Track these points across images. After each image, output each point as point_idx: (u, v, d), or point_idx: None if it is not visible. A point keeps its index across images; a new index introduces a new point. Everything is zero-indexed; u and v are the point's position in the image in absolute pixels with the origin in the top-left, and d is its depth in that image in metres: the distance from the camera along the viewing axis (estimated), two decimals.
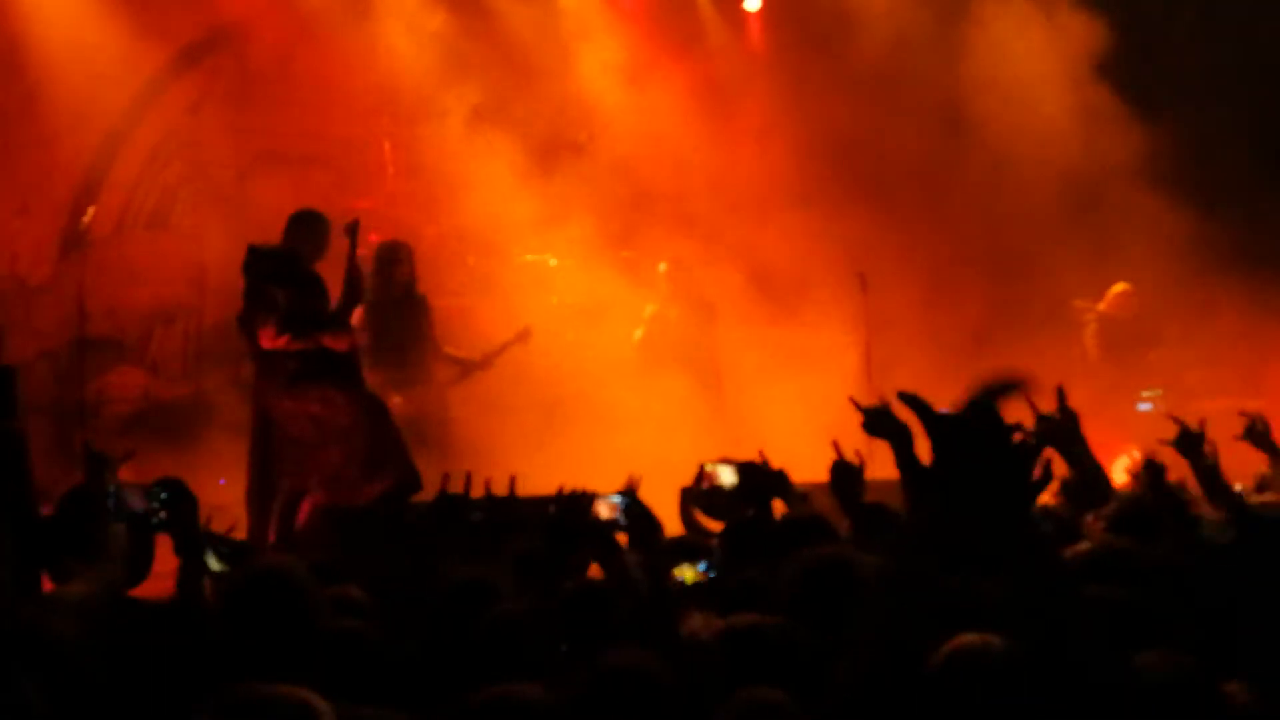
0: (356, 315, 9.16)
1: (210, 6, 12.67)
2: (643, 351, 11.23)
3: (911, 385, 2.94)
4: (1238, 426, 6.05)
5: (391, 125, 12.64)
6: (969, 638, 3.00)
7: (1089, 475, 5.23)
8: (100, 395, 12.16)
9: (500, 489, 5.31)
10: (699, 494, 5.83)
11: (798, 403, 10.38)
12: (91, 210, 11.66)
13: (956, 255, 12.80)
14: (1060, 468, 5.20)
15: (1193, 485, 5.44)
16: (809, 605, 3.59)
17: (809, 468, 5.87)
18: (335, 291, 8.70)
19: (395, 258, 10.00)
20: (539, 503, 5.14)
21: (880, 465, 4.58)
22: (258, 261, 8.50)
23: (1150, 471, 5.08)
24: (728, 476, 5.45)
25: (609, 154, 12.36)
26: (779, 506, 5.44)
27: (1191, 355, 11.84)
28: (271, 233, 8.73)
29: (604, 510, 4.67)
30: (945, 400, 2.70)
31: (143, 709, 3.48)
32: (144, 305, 12.64)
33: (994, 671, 2.86)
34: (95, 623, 3.76)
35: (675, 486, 6.22)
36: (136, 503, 4.58)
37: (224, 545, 4.95)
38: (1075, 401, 5.38)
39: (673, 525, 5.60)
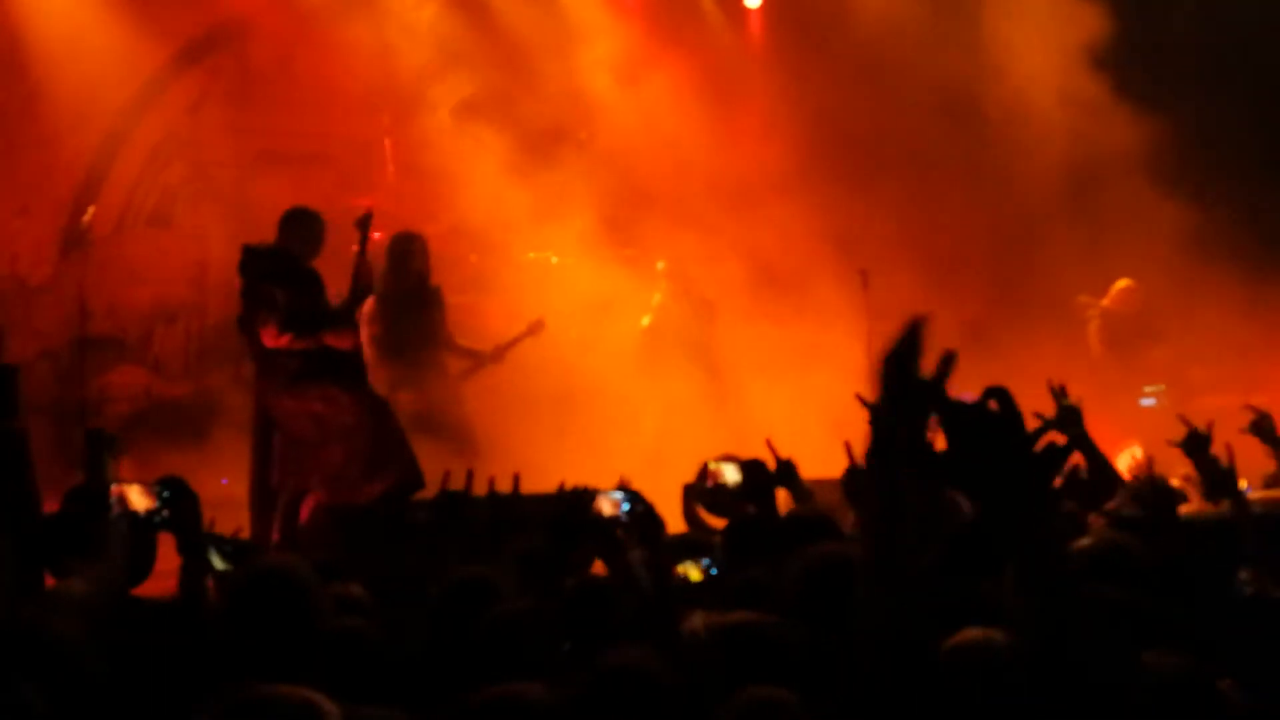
0: (368, 307, 9.13)
1: (210, 5, 12.67)
2: (649, 339, 11.25)
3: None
4: (1241, 423, 6.04)
5: (392, 123, 12.63)
6: (972, 632, 2.99)
7: (1099, 471, 5.22)
8: (102, 394, 12.16)
9: (504, 485, 5.30)
10: (702, 491, 5.82)
11: (800, 398, 10.38)
12: (92, 209, 11.65)
13: (958, 249, 12.78)
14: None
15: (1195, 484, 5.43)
16: (812, 603, 3.58)
17: (812, 464, 5.87)
18: (335, 287, 8.67)
19: (409, 250, 9.96)
20: (542, 500, 5.13)
21: None
22: (253, 261, 8.48)
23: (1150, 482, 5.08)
24: (732, 474, 5.44)
25: (609, 150, 12.34)
26: (784, 500, 5.42)
27: (1194, 351, 11.83)
28: (273, 231, 8.72)
29: (606, 507, 4.65)
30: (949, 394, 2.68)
31: (145, 708, 3.47)
32: (145, 304, 12.65)
33: (997, 666, 2.86)
34: (97, 622, 3.76)
35: (678, 483, 6.23)
36: (138, 501, 4.57)
37: (227, 544, 4.94)
38: (1077, 397, 5.38)
39: (675, 522, 5.60)
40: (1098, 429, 5.54)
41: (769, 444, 5.61)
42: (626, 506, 4.62)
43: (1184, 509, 4.98)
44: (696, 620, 3.50)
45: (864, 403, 4.28)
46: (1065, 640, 2.37)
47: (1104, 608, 3.15)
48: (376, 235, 9.04)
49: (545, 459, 7.53)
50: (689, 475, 5.96)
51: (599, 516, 4.63)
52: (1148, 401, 11.50)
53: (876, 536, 2.60)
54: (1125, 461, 6.58)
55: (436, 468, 8.32)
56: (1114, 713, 2.39)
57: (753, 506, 5.28)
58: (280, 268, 8.41)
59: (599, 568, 4.71)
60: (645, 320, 11.37)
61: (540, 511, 4.90)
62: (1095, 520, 4.84)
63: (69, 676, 3.30)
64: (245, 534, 7.42)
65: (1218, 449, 5.27)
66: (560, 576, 4.44)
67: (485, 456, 8.27)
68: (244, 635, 3.77)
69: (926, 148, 12.66)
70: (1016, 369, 8.67)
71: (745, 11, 13.79)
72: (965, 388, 2.65)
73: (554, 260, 12.10)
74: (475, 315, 11.47)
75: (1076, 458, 5.34)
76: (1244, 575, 4.17)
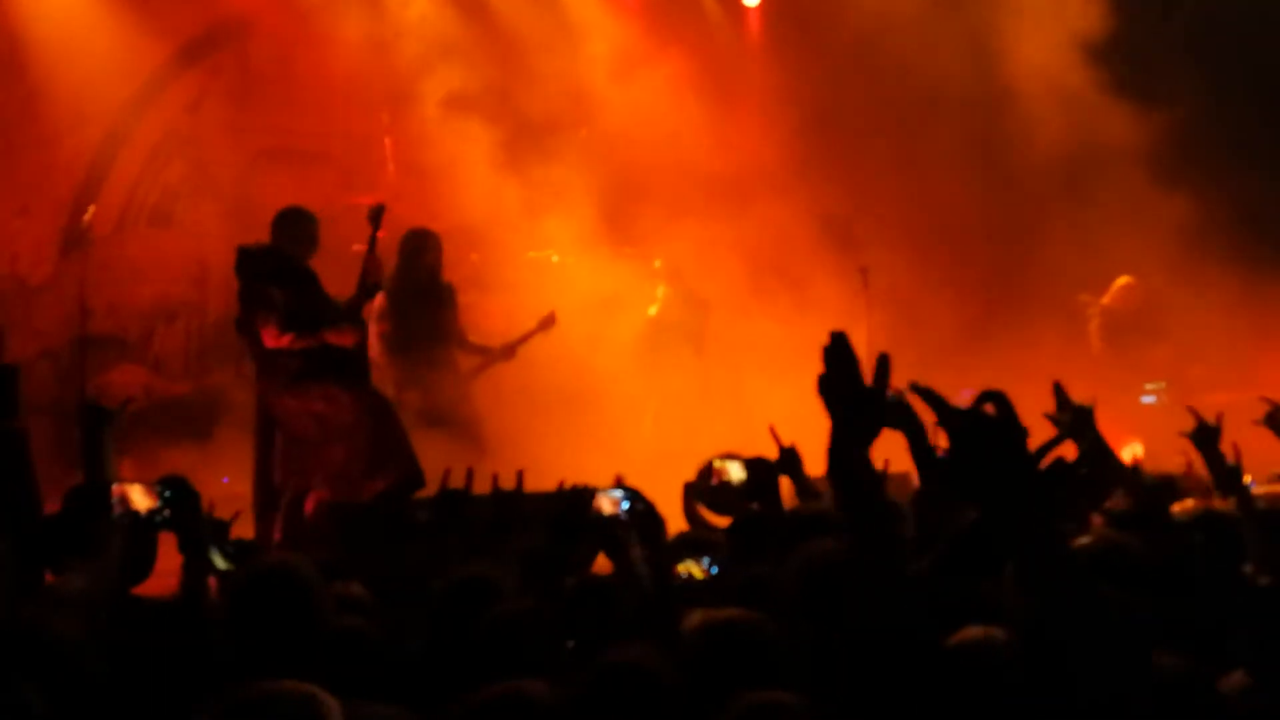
0: (378, 304, 9.11)
1: (210, 4, 12.68)
2: (653, 330, 11.27)
3: (914, 377, 2.93)
4: (1242, 419, 6.02)
5: (393, 121, 12.63)
6: (973, 630, 2.99)
7: (1111, 474, 5.21)
8: (102, 393, 12.15)
9: (509, 482, 5.29)
10: (703, 489, 5.81)
11: (800, 395, 10.35)
12: (92, 209, 11.64)
13: (958, 246, 12.79)
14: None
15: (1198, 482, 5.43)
16: (812, 601, 3.57)
17: (813, 461, 5.86)
18: (341, 285, 8.65)
19: (421, 245, 9.93)
20: (543, 498, 5.12)
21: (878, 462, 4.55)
22: (249, 262, 8.47)
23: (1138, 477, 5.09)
24: (737, 472, 5.42)
25: (608, 147, 12.34)
26: (787, 491, 5.40)
27: (1194, 348, 11.83)
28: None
29: (606, 505, 4.65)
30: (948, 391, 2.69)
31: (146, 708, 3.47)
32: (146, 303, 12.65)
33: (997, 665, 2.85)
34: (98, 621, 3.76)
35: (681, 480, 6.21)
36: (140, 501, 4.57)
37: (229, 544, 4.94)
38: (1077, 394, 5.37)
39: (676, 521, 5.58)
40: (1099, 427, 5.53)
41: (772, 430, 5.60)
42: (626, 505, 4.62)
43: (1182, 506, 4.98)
44: (696, 618, 3.50)
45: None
46: (1066, 640, 2.37)
47: (1112, 608, 3.15)
48: (380, 234, 9.03)
49: (554, 456, 7.53)
50: (691, 473, 5.94)
51: (599, 515, 4.63)
52: (1148, 399, 11.50)
53: (856, 537, 2.61)
54: (1126, 459, 6.58)
55: (447, 464, 8.34)
56: (1114, 713, 2.38)
57: (757, 504, 5.27)
58: (276, 267, 8.40)
59: (600, 566, 4.71)
60: (652, 309, 11.40)
61: (541, 510, 4.89)
62: (1095, 520, 4.83)
63: (69, 676, 3.30)
64: (244, 520, 7.46)
65: (1223, 444, 5.28)
66: (561, 575, 4.43)
67: (494, 453, 8.26)
68: (245, 635, 3.77)
69: (925, 144, 12.66)
70: (1016, 366, 8.71)
71: (743, 8, 13.79)
72: (966, 384, 2.66)
73: (554, 259, 12.10)
74: (477, 313, 11.47)
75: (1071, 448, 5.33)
76: (1248, 569, 4.18)
